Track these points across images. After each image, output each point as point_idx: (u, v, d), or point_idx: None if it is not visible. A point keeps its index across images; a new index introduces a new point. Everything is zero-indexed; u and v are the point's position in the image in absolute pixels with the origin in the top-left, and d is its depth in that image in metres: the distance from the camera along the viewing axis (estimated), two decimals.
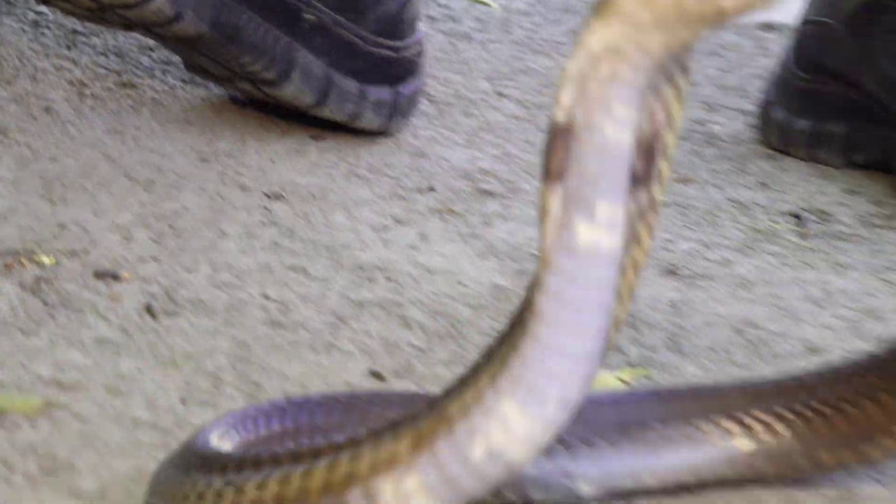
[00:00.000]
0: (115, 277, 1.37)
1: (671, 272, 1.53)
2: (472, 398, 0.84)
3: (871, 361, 1.12)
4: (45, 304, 1.33)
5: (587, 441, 1.11)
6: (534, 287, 0.84)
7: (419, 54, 1.75)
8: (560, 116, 0.81)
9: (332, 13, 1.66)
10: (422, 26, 1.80)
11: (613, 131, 0.79)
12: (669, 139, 0.86)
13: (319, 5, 1.66)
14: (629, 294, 0.92)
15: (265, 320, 1.34)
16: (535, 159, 1.73)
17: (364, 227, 1.55)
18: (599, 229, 0.82)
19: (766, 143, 1.91)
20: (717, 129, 1.99)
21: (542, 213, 0.85)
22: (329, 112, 1.66)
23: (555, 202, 0.83)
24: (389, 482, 0.84)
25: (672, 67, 0.85)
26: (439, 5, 2.31)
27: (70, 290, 1.36)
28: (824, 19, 1.85)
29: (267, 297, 1.37)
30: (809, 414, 1.12)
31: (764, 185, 1.82)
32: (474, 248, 1.50)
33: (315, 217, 1.57)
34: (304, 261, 1.46)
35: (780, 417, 1.12)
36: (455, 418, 0.84)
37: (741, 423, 1.12)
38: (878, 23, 1.82)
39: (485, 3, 2.30)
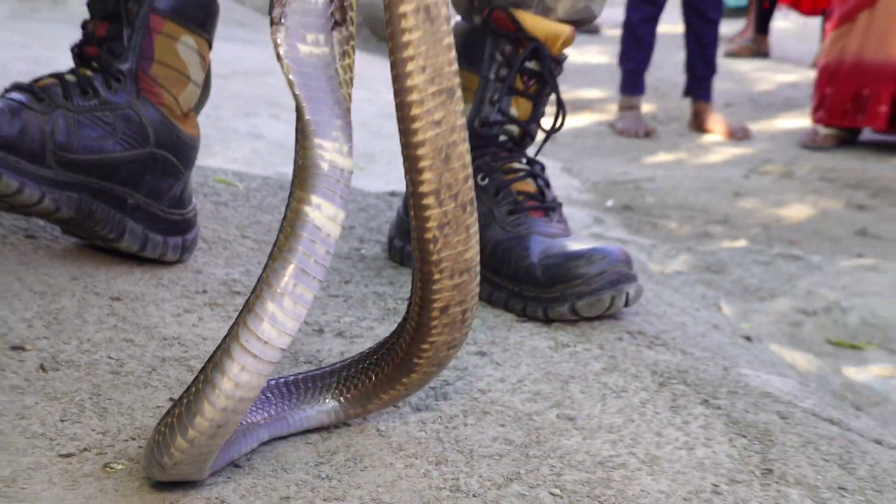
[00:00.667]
0: (23, 349, 1.54)
1: (338, 334, 1.69)
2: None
3: (382, 341, 1.32)
4: None
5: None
6: (290, 87, 1.10)
7: (195, 215, 1.94)
8: None
9: (144, 198, 1.86)
10: (195, 200, 1.96)
11: None
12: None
13: (137, 194, 1.85)
14: (347, 83, 1.14)
15: (110, 371, 1.51)
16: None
17: (166, 314, 1.70)
18: (311, 47, 1.11)
19: (392, 259, 2.05)
20: (365, 252, 2.11)
21: (274, 44, 1.10)
22: (147, 253, 1.87)
23: (279, 36, 1.10)
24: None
25: None
26: (209, 186, 2.38)
27: None
28: None
29: (110, 357, 1.54)
30: (361, 379, 1.33)
31: (391, 283, 1.94)
32: (229, 324, 1.43)
33: (138, 310, 1.71)
34: (131, 335, 1.61)
35: (351, 384, 1.34)
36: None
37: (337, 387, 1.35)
38: None
39: (235, 185, 2.42)
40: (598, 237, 3.75)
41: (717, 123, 6.49)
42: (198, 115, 1.95)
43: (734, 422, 1.50)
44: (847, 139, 6.22)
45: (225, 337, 1.11)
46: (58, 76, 1.80)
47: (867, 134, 6.29)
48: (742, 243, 4.48)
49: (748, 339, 2.24)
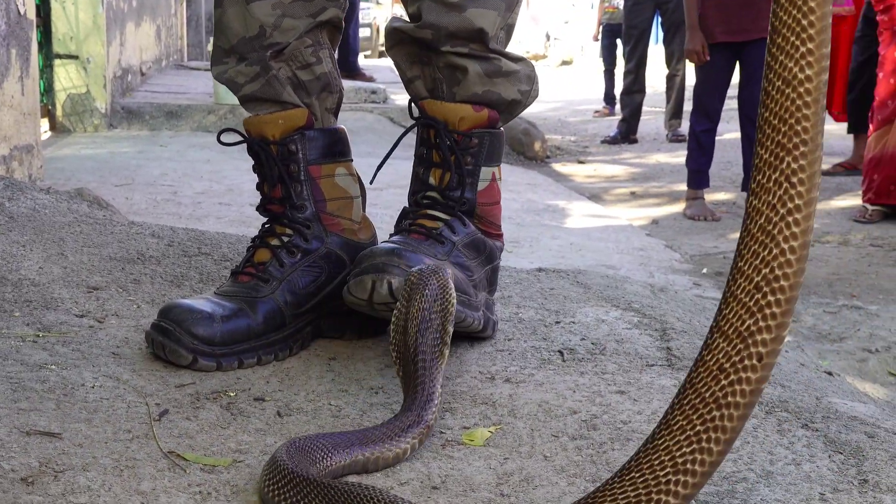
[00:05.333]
0: (263, 400, 1.63)
1: (505, 381, 1.63)
2: None
3: None
4: None
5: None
6: None
7: None
8: None
9: None
10: None
11: None
12: None
13: None
14: None
15: (331, 415, 1.49)
16: None
17: (372, 369, 1.68)
18: None
19: None
20: (521, 315, 2.02)
21: None
22: (365, 336, 1.81)
23: None
24: None
25: None
26: None
27: None
28: None
29: (331, 404, 1.52)
30: None
31: (545, 339, 1.86)
32: None
33: (350, 366, 1.68)
34: (346, 387, 1.60)
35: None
36: None
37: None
38: None
39: None
40: (699, 297, 3.66)
41: None
42: (365, 210, 1.92)
43: (831, 441, 1.42)
44: (891, 214, 6.15)
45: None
46: (268, 247, 1.79)
47: None
48: (813, 298, 4.38)
49: (830, 373, 2.16)
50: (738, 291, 0.95)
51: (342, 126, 1.90)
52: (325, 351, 1.78)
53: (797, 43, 0.91)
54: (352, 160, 1.90)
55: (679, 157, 8.10)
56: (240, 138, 1.84)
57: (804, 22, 0.91)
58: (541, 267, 2.59)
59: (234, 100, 1.97)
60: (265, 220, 1.85)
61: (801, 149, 0.93)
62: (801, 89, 0.92)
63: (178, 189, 5.13)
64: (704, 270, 4.94)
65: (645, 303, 2.19)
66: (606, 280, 2.43)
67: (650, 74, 10.30)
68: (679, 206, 6.64)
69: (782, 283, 0.93)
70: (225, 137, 1.83)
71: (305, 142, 1.82)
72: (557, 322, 1.97)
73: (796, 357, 2.23)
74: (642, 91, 9.81)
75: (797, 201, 0.93)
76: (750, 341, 0.95)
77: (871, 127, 6.23)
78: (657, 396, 1.58)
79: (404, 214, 1.80)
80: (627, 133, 9.90)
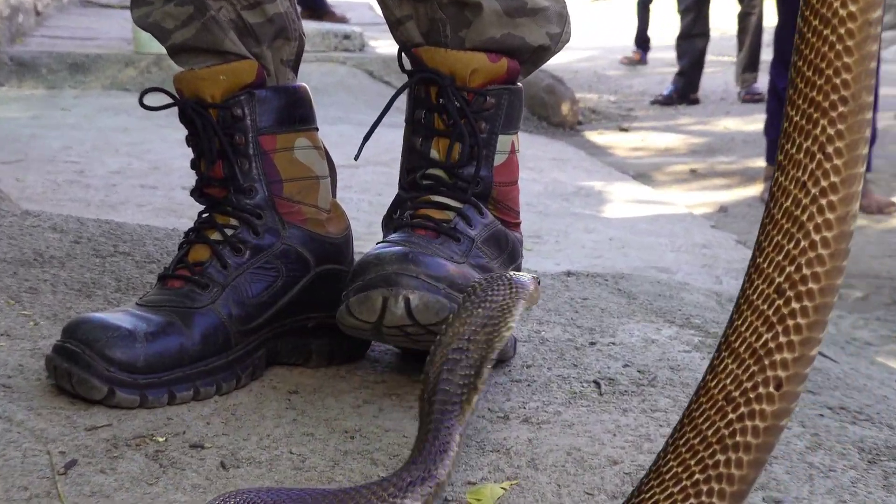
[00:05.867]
0: (202, 447, 1.59)
1: (523, 421, 1.64)
2: None
3: None
4: None
5: None
6: None
7: None
8: None
9: (322, 314, 1.83)
10: None
11: None
12: None
13: (314, 314, 1.84)
14: None
15: (292, 467, 1.49)
16: None
17: (346, 406, 1.68)
18: None
19: None
20: (545, 334, 2.03)
21: None
22: (336, 363, 1.84)
23: None
24: None
25: None
26: None
27: None
28: None
29: (292, 453, 1.52)
30: None
31: (575, 365, 1.87)
32: (410, 414, 1.64)
33: (317, 402, 1.68)
34: (311, 429, 1.58)
35: None
36: None
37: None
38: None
39: None
40: None
41: (862, 197, 6.25)
42: (335, 194, 1.93)
43: None
44: None
45: None
46: (207, 243, 1.79)
47: None
48: None
49: None
50: (755, 296, 0.94)
51: (303, 84, 1.91)
52: (284, 382, 1.79)
53: None
54: (317, 128, 1.91)
55: (755, 122, 8.10)
56: (169, 100, 1.85)
57: None
58: (570, 270, 2.60)
59: (162, 48, 1.95)
60: (202, 207, 1.87)
61: (840, 108, 0.92)
62: (842, 30, 0.91)
63: (87, 167, 5.14)
64: None
65: (709, 317, 2.20)
66: (658, 287, 2.44)
67: (716, 12, 10.28)
68: (755, 189, 6.65)
69: (811, 285, 0.92)
70: (149, 99, 1.85)
71: (255, 104, 1.83)
72: (592, 343, 1.99)
73: None
74: (706, 34, 9.82)
75: (833, 178, 0.92)
76: (766, 362, 0.93)
77: None
78: None
79: (400, 202, 1.80)
80: (686, 91, 9.93)
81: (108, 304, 2.06)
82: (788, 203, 0.93)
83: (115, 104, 6.79)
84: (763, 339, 0.93)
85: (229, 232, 1.81)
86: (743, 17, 9.62)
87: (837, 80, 0.91)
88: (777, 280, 0.92)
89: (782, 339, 0.92)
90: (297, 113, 1.87)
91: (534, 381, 1.81)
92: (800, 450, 1.58)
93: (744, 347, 0.94)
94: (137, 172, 5.11)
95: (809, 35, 0.91)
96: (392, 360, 1.91)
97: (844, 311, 4.38)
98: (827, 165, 0.92)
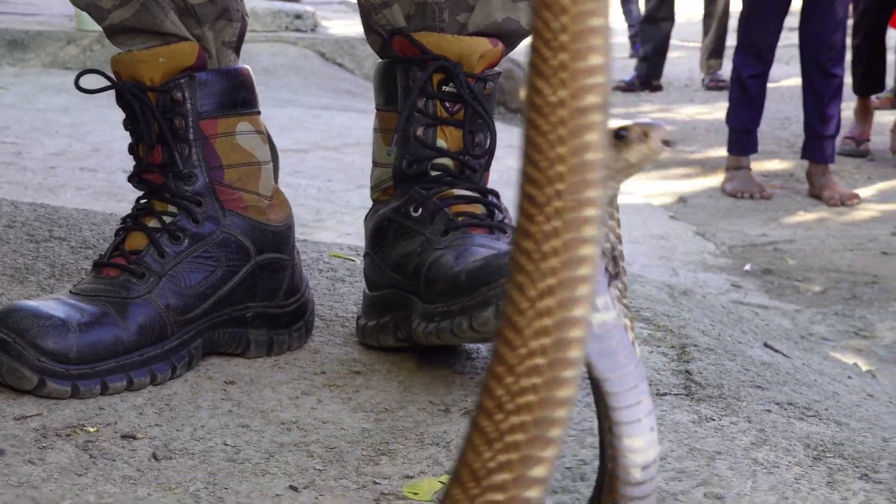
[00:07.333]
0: (134, 437, 1.58)
1: (464, 414, 1.66)
2: None
3: None
4: None
5: None
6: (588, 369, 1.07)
7: (309, 292, 1.96)
8: None
9: (261, 304, 1.88)
10: (305, 275, 1.98)
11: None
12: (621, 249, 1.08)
13: (254, 304, 1.87)
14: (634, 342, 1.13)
15: (226, 458, 1.51)
16: None
17: (283, 397, 1.71)
18: (602, 314, 1.08)
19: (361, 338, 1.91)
20: None
21: None
22: (275, 353, 1.87)
23: None
24: None
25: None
26: (325, 262, 2.37)
27: None
28: (370, 252, 1.90)
29: (226, 444, 1.54)
30: None
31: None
32: (349, 406, 1.66)
33: (253, 393, 1.71)
34: (247, 420, 1.62)
35: None
36: None
37: None
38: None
39: (351, 259, 2.39)
40: (737, 303, 3.70)
41: (825, 189, 6.26)
42: (277, 181, 1.95)
43: None
44: None
45: None
46: (144, 230, 1.81)
47: None
48: (894, 307, 4.42)
49: None
50: (483, 408, 0.83)
51: (246, 66, 1.92)
52: (221, 372, 1.80)
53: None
54: (259, 112, 1.92)
55: (718, 110, 8.15)
56: (106, 83, 1.87)
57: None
58: None
59: None
60: (141, 193, 1.88)
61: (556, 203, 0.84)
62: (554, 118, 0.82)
63: (24, 148, 5.13)
64: (747, 267, 4.99)
65: (659, 310, 2.23)
66: None
67: None
68: (716, 179, 6.68)
69: (529, 397, 0.80)
70: (86, 81, 1.85)
71: (195, 87, 1.84)
72: None
73: (863, 385, 2.27)
74: (670, 19, 9.85)
75: (550, 280, 0.81)
76: (486, 484, 0.83)
77: None
78: (669, 436, 1.61)
79: (419, 199, 1.81)
80: (648, 77, 9.96)
81: (41, 290, 2.07)
82: (516, 296, 0.82)
83: (55, 83, 6.76)
84: (483, 458, 0.83)
85: (168, 219, 1.81)
86: (710, 2, 9.66)
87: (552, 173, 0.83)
88: (498, 393, 0.82)
89: (502, 458, 0.82)
90: (239, 96, 1.88)
91: (475, 374, 1.82)
92: (744, 445, 1.60)
93: (465, 470, 0.85)
94: (77, 154, 5.09)
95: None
96: (332, 350, 1.92)
97: (802, 305, 4.42)
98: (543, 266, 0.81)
